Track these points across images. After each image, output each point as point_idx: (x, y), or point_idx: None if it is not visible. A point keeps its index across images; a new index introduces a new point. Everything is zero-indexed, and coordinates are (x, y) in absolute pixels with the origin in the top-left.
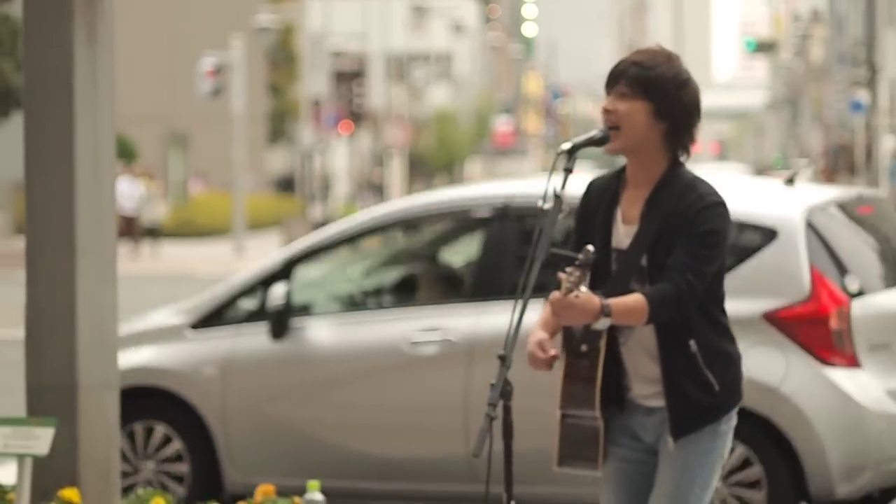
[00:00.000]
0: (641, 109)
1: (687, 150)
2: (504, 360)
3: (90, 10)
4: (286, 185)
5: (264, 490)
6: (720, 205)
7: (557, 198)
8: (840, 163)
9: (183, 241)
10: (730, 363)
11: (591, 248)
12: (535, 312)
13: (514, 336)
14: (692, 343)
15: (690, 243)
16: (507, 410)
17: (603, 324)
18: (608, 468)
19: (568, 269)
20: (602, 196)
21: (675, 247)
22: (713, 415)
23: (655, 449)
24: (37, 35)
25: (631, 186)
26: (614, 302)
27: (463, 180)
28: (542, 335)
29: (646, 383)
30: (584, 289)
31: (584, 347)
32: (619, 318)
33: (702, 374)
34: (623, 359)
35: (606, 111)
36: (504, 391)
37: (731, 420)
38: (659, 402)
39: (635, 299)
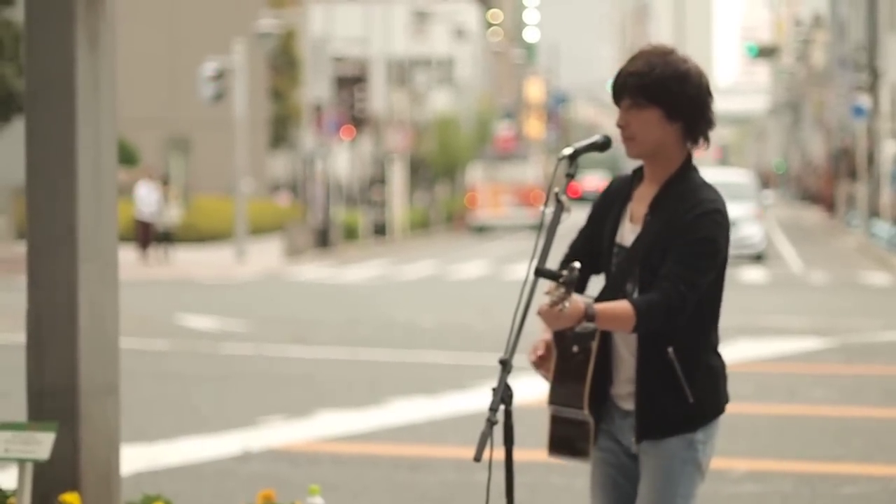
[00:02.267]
0: (652, 117)
1: (707, 138)
2: (505, 365)
3: (92, 16)
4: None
5: (265, 495)
6: (718, 212)
7: (559, 202)
8: (841, 167)
9: (184, 245)
10: (711, 376)
11: (577, 265)
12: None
13: (515, 341)
14: (670, 350)
15: (684, 251)
16: (507, 415)
17: (585, 327)
18: (596, 474)
19: (552, 287)
20: (618, 194)
21: (668, 251)
22: (683, 425)
23: (634, 453)
24: (39, 40)
25: (645, 183)
26: (600, 308)
27: (465, 185)
28: (544, 337)
29: (625, 384)
30: (567, 304)
31: (575, 349)
32: (604, 324)
33: (677, 383)
34: (612, 358)
35: (620, 127)
36: (505, 396)
37: (709, 429)
38: (631, 405)
39: (623, 307)
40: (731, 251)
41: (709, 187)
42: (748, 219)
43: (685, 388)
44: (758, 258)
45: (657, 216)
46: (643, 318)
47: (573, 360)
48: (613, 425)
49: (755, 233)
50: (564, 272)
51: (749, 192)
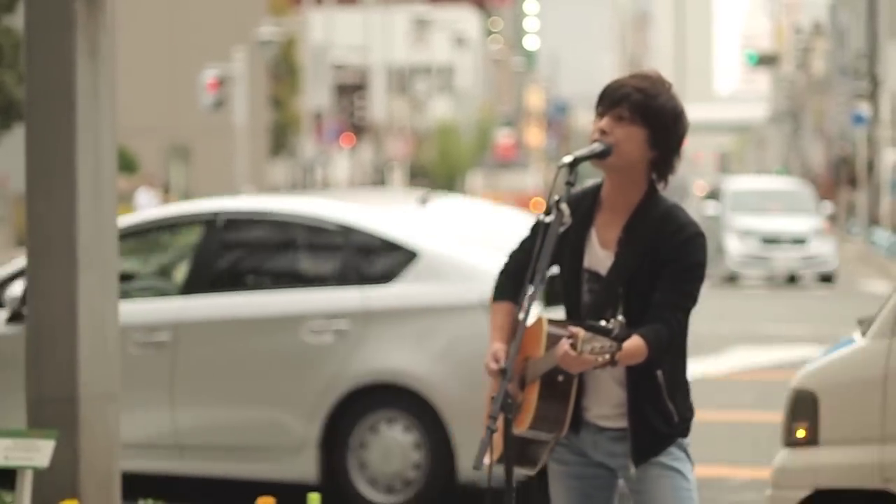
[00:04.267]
0: (637, 136)
1: (667, 180)
2: (505, 374)
3: (92, 23)
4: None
5: (265, 502)
6: (701, 235)
7: (559, 211)
8: (841, 175)
9: None
10: (686, 394)
11: (622, 318)
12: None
13: (515, 350)
14: (659, 373)
15: (677, 279)
16: (507, 423)
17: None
18: (559, 488)
19: (599, 342)
20: (574, 214)
21: (655, 275)
22: (668, 442)
23: (608, 468)
24: (39, 48)
25: (606, 209)
26: (620, 354)
27: (465, 193)
28: (498, 346)
29: (606, 406)
30: (611, 357)
31: (560, 378)
32: (623, 364)
33: (664, 404)
34: (585, 381)
35: (602, 132)
36: (505, 404)
37: (685, 441)
38: (614, 423)
39: (637, 344)
40: (799, 269)
41: (680, 209)
42: (817, 234)
43: (670, 408)
44: (827, 279)
45: (633, 241)
46: (655, 351)
47: (558, 387)
48: (583, 440)
49: (827, 250)
50: (613, 326)
51: (810, 204)
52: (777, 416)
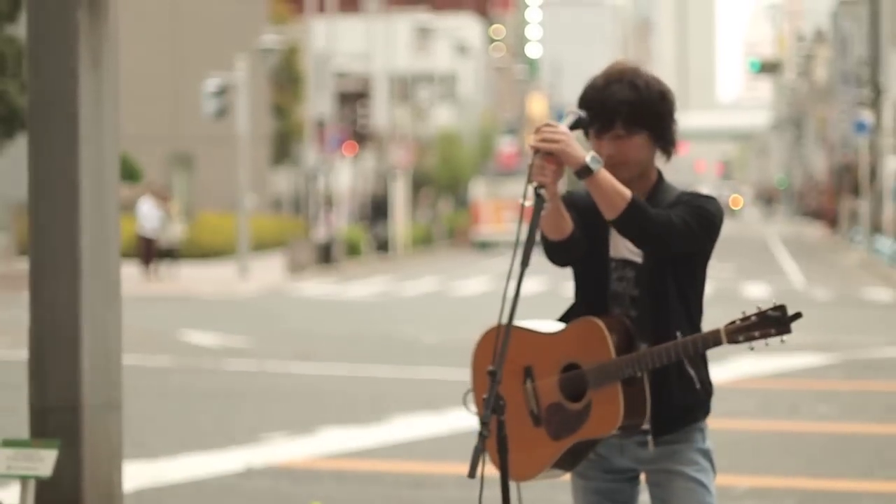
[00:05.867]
0: (641, 141)
1: (670, 155)
2: (494, 376)
3: (95, 32)
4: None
5: None
6: (713, 200)
7: (539, 196)
8: (844, 183)
9: (187, 261)
10: (705, 363)
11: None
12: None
13: (503, 351)
14: (678, 335)
15: (686, 209)
16: (500, 425)
17: (594, 162)
18: (581, 502)
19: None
20: (588, 208)
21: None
22: (692, 415)
23: (631, 475)
24: (41, 57)
25: None
26: (602, 170)
27: (467, 201)
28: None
29: None
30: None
31: (616, 310)
32: (599, 181)
33: (685, 372)
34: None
35: (611, 156)
36: (497, 406)
37: (708, 445)
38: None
39: (623, 187)
40: None
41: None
42: None
43: (690, 373)
44: None
45: None
46: (634, 208)
47: (635, 381)
48: (607, 445)
49: None
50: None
51: None
52: (779, 425)
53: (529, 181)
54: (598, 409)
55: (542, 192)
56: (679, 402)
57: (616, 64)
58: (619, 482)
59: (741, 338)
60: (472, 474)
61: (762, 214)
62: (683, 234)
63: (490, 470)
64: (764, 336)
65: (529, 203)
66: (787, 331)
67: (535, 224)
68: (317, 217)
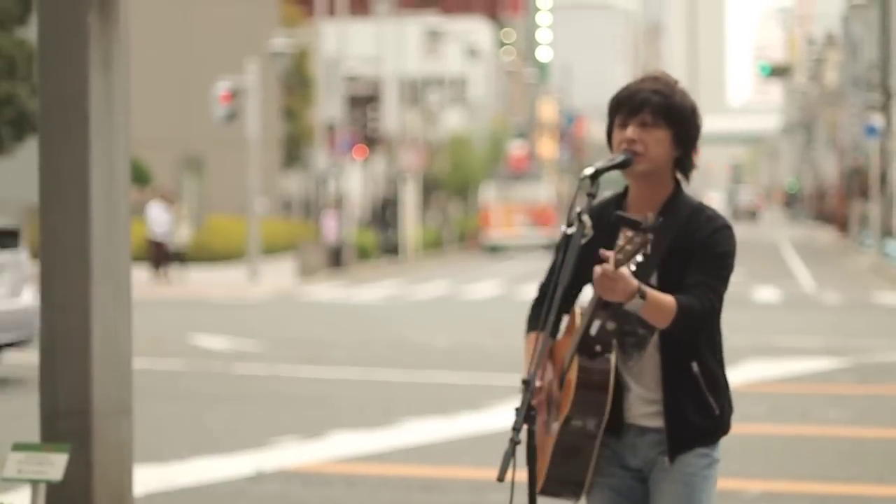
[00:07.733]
0: (664, 137)
1: (689, 177)
2: (528, 385)
3: (105, 36)
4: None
5: None
6: (729, 228)
7: (581, 222)
8: (854, 187)
9: (197, 265)
10: (726, 390)
11: (652, 215)
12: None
13: (538, 361)
14: (694, 365)
15: (708, 265)
16: (530, 434)
17: (635, 305)
18: (596, 498)
19: (629, 234)
20: (597, 224)
21: (686, 267)
22: (708, 437)
23: (643, 476)
24: (52, 60)
25: (634, 209)
26: (650, 290)
27: (478, 205)
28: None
29: (644, 404)
30: (644, 252)
31: (598, 348)
32: (650, 307)
33: (703, 397)
34: (626, 381)
35: (631, 140)
36: (528, 415)
37: (719, 449)
38: (653, 423)
39: (668, 298)
40: None
41: (706, 205)
42: None
43: (710, 401)
44: None
45: (662, 235)
46: (683, 314)
47: (595, 365)
48: (623, 445)
49: None
50: (643, 219)
51: None
52: (790, 429)
53: (574, 220)
54: (562, 399)
55: (586, 218)
56: (696, 425)
57: (654, 71)
58: (634, 480)
59: (620, 257)
60: (501, 478)
61: (785, 217)
62: (719, 308)
63: (519, 475)
64: (631, 244)
65: (572, 230)
66: (643, 230)
67: (574, 251)
68: (322, 218)
